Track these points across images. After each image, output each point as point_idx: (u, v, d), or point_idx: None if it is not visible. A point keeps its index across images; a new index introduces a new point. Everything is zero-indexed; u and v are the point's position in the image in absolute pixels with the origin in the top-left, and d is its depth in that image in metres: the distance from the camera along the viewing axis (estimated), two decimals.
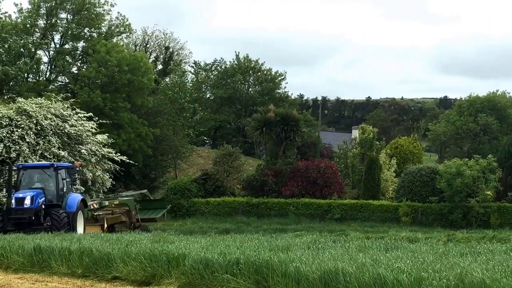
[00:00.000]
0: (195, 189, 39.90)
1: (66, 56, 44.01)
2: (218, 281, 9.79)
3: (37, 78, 43.62)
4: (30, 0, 42.27)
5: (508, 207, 33.75)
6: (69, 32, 43.19)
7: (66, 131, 28.76)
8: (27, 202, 23.38)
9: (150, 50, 64.10)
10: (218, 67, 69.35)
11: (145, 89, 41.93)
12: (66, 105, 30.49)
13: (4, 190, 26.05)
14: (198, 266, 10.16)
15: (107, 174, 30.40)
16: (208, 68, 70.48)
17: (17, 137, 27.26)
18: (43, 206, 23.62)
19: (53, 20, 43.05)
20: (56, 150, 27.84)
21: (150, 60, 56.24)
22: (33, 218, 23.26)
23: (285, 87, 68.21)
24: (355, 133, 53.68)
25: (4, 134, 27.19)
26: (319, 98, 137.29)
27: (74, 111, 30.42)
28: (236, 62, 67.32)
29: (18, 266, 12.99)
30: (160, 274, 10.76)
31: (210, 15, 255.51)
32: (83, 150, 28.80)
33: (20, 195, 23.57)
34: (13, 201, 23.41)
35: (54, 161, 27.62)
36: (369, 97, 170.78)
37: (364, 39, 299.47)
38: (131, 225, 28.11)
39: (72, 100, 32.68)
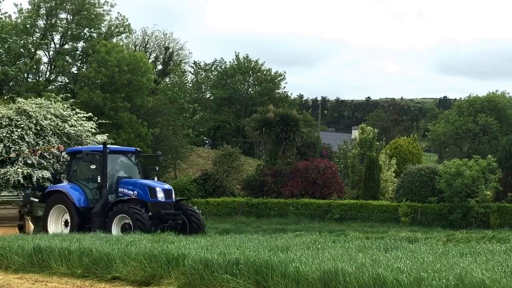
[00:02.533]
0: (194, 189, 39.89)
1: (66, 56, 44.06)
2: (218, 281, 9.80)
3: (37, 78, 43.66)
4: (30, 0, 42.31)
5: (507, 207, 33.75)
6: (69, 32, 43.24)
7: (66, 131, 28.75)
8: (173, 195, 21.37)
9: (150, 50, 64.11)
10: (218, 67, 69.37)
11: (144, 89, 41.96)
12: (66, 105, 30.49)
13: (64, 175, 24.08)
14: (198, 266, 10.17)
15: None
16: (208, 68, 70.48)
17: (16, 137, 27.24)
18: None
19: (53, 20, 43.08)
20: (55, 150, 27.84)
21: (150, 60, 56.26)
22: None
23: (284, 87, 68.38)
24: (355, 133, 53.69)
25: (4, 134, 27.18)
26: (319, 98, 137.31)
27: (74, 111, 30.42)
28: (236, 62, 67.35)
29: (18, 266, 13.00)
30: (159, 274, 10.77)
31: (210, 15, 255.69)
32: None
33: (166, 186, 21.34)
34: (161, 193, 20.74)
35: (54, 161, 27.64)
36: (368, 97, 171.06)
37: (364, 39, 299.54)
38: None
39: (72, 100, 32.68)
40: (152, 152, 40.33)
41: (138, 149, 23.99)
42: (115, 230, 19.81)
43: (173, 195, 21.55)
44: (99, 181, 21.31)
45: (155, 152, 28.17)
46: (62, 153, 24.85)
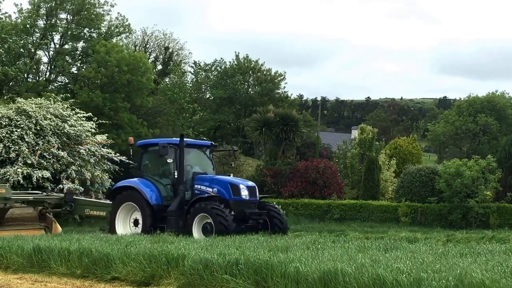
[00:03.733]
0: None
1: (66, 56, 44.05)
2: (217, 281, 9.80)
3: (37, 78, 43.65)
4: (30, 0, 42.32)
5: (507, 207, 33.72)
6: (69, 32, 43.23)
7: (66, 131, 28.78)
8: (257, 193, 19.70)
9: (150, 51, 64.12)
10: (218, 68, 69.36)
11: (144, 89, 41.96)
12: (66, 105, 30.52)
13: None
14: (197, 267, 10.18)
15: (106, 174, 30.42)
16: (208, 68, 70.45)
17: (16, 137, 27.28)
18: None
19: (53, 20, 43.07)
20: (55, 150, 27.87)
21: (150, 61, 56.27)
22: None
23: (284, 87, 68.43)
24: (355, 133, 53.68)
25: (4, 134, 27.22)
26: (319, 98, 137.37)
27: (73, 111, 30.44)
28: (236, 62, 67.34)
29: (18, 267, 13.00)
30: (159, 275, 10.77)
31: (210, 15, 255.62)
32: (81, 150, 28.82)
33: (250, 183, 19.71)
34: (245, 191, 19.06)
35: (53, 161, 27.66)
36: (368, 97, 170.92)
37: (364, 39, 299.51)
38: None
39: (72, 100, 32.73)
40: None
41: (213, 143, 22.38)
42: (196, 231, 18.16)
43: (257, 193, 19.90)
44: (175, 176, 19.46)
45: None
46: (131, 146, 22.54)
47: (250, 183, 19.77)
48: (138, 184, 19.93)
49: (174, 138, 21.01)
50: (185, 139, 20.26)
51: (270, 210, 19.58)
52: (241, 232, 16.97)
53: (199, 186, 19.50)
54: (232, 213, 18.20)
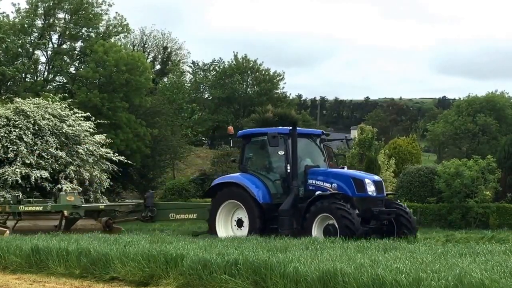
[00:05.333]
0: (193, 190, 39.86)
1: (64, 56, 44.00)
2: (216, 281, 9.78)
3: (35, 78, 43.61)
4: (28, 0, 42.28)
5: (507, 207, 33.70)
6: (67, 32, 43.20)
7: (64, 131, 28.73)
8: (384, 188, 17.42)
9: (148, 50, 64.21)
10: (217, 67, 69.46)
11: (143, 89, 41.94)
12: (64, 105, 30.48)
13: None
14: (196, 267, 10.16)
15: (105, 174, 30.37)
16: (206, 68, 70.60)
17: (14, 137, 27.22)
18: None
19: (51, 20, 43.03)
20: (53, 150, 27.83)
21: (148, 60, 56.30)
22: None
23: (283, 87, 68.53)
24: (354, 133, 53.64)
25: (2, 134, 27.17)
26: (318, 98, 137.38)
27: (71, 111, 30.40)
28: (234, 62, 67.40)
29: (16, 267, 12.97)
30: (158, 275, 10.75)
31: (209, 15, 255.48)
32: (80, 150, 28.78)
33: (376, 178, 17.52)
34: (371, 186, 16.74)
35: (52, 161, 27.59)
36: (367, 97, 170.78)
37: (363, 39, 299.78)
38: None
39: (70, 100, 32.67)
40: (148, 152, 40.28)
41: (324, 132, 19.97)
42: (316, 233, 15.94)
43: (384, 189, 17.54)
44: (287, 170, 17.17)
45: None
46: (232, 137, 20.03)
47: (376, 177, 17.58)
48: (242, 180, 17.76)
49: (282, 127, 18.52)
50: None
51: (396, 209, 17.16)
52: (367, 236, 15.05)
53: (313, 181, 17.27)
54: (357, 212, 15.90)
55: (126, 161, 31.15)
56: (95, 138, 30.16)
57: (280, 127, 18.75)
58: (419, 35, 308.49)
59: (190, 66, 70.60)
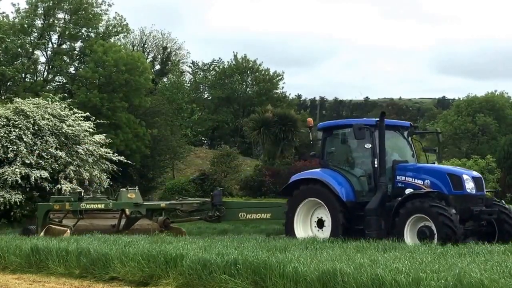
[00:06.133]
0: (192, 190, 39.90)
1: (64, 56, 43.99)
2: (216, 281, 9.78)
3: (35, 78, 43.60)
4: (28, 0, 42.27)
5: None
6: (67, 32, 43.18)
7: (64, 131, 28.74)
8: (484, 185, 15.71)
9: (148, 50, 64.17)
10: (216, 68, 69.51)
11: (142, 89, 41.93)
12: (64, 105, 30.48)
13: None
14: (196, 267, 10.16)
15: (105, 174, 30.37)
16: (206, 68, 70.66)
17: (14, 137, 27.23)
18: None
19: (51, 20, 43.02)
20: (53, 150, 27.83)
21: (148, 60, 56.29)
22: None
23: (282, 87, 68.60)
24: None
25: (2, 134, 27.17)
26: (317, 98, 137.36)
27: (71, 111, 30.41)
28: (234, 62, 67.45)
29: (16, 267, 12.99)
30: (158, 275, 10.76)
31: (209, 15, 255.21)
32: (80, 150, 28.78)
33: (474, 173, 15.79)
34: (470, 183, 15.07)
35: (51, 161, 27.59)
36: (367, 97, 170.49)
37: (363, 39, 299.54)
38: None
39: (70, 100, 32.70)
40: (147, 154, 40.26)
41: (412, 124, 18.36)
42: (408, 236, 14.39)
43: (484, 186, 15.81)
44: (375, 166, 15.73)
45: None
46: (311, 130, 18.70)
47: (475, 173, 15.89)
48: (324, 176, 16.25)
49: (367, 118, 17.38)
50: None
51: (497, 209, 15.28)
52: (466, 239, 13.79)
53: (402, 178, 15.70)
54: (454, 211, 14.26)
55: (125, 161, 31.15)
56: (94, 138, 30.17)
57: (365, 118, 17.58)
58: (419, 35, 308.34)
59: (189, 66, 70.70)
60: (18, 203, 26.53)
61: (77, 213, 18.44)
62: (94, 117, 31.11)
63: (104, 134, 31.44)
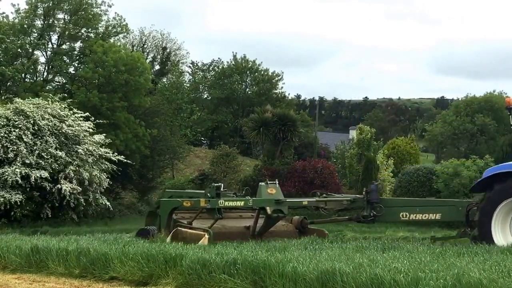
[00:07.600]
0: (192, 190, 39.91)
1: (63, 57, 44.00)
2: (215, 281, 9.79)
3: (34, 78, 43.61)
4: (27, 0, 42.28)
5: None
6: (66, 32, 43.19)
7: (63, 131, 28.79)
8: None
9: (148, 51, 64.23)
10: (216, 68, 69.53)
11: (142, 89, 41.96)
12: (63, 106, 30.53)
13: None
14: (195, 266, 10.17)
15: (104, 174, 30.41)
16: (206, 68, 70.67)
17: (14, 137, 27.28)
18: None
19: (50, 20, 43.03)
20: (53, 150, 27.87)
21: (148, 61, 56.32)
22: None
23: (282, 87, 68.62)
24: (353, 133, 53.73)
25: (2, 134, 27.23)
26: (316, 98, 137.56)
27: (71, 111, 30.45)
28: (233, 62, 67.46)
29: (16, 267, 12.98)
30: (157, 274, 10.76)
31: (208, 16, 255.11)
32: (79, 150, 28.83)
33: None
34: None
35: (51, 161, 27.61)
36: (366, 97, 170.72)
37: (362, 40, 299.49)
38: None
39: (69, 100, 32.73)
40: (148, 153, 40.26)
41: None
42: None
43: None
44: None
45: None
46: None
47: None
48: None
49: None
50: None
51: None
52: None
53: None
54: None
55: (125, 160, 31.20)
56: (94, 138, 30.23)
57: None
58: (417, 35, 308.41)
59: (189, 66, 70.73)
60: (18, 203, 26.59)
61: (215, 212, 14.88)
62: (93, 117, 31.16)
63: (104, 134, 31.49)
